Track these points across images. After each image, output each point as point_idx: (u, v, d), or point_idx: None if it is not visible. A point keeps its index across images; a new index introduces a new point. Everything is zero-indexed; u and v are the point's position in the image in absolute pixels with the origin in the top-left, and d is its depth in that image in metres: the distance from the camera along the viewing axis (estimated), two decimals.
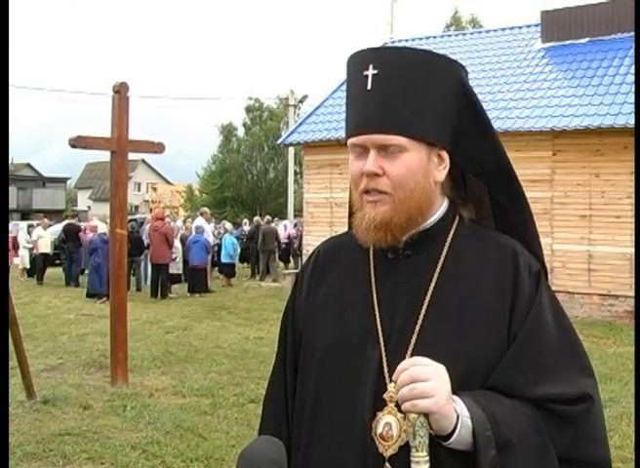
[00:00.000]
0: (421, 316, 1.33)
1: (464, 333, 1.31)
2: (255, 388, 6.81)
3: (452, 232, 1.42)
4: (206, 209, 18.32)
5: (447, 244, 1.40)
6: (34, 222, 20.80)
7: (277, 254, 19.07)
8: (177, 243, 14.92)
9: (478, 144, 1.41)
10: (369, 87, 1.33)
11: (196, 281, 15.00)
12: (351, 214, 1.46)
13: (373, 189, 1.33)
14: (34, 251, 18.08)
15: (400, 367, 1.22)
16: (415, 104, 1.32)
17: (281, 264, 20.47)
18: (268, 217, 20.62)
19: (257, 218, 20.92)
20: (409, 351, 1.31)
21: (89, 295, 14.11)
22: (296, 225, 20.47)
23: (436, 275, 1.37)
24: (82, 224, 19.03)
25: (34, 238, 18.13)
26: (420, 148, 1.33)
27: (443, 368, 1.22)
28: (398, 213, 1.33)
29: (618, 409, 6.16)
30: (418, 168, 1.33)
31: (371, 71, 1.33)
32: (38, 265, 17.64)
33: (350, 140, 1.37)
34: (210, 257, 16.09)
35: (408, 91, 1.32)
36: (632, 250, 10.81)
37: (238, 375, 7.49)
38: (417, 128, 1.32)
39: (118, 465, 4.87)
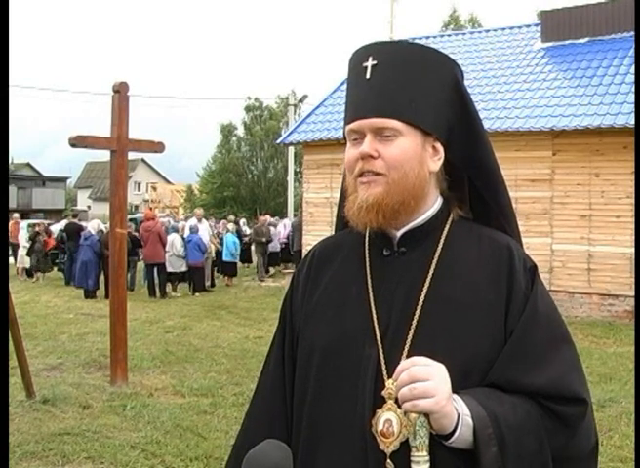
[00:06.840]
0: (417, 313, 1.33)
1: (461, 330, 1.31)
2: (254, 388, 6.79)
3: (446, 229, 1.43)
4: (197, 209, 18.30)
5: (442, 240, 1.41)
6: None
7: (265, 254, 18.81)
8: (178, 241, 14.87)
9: (470, 141, 1.43)
10: (367, 76, 1.36)
11: (194, 280, 15.04)
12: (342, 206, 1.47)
13: (367, 171, 1.35)
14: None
15: (400, 367, 1.22)
16: (411, 93, 1.35)
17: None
18: (268, 217, 20.62)
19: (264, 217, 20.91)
20: (406, 348, 1.30)
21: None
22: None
23: (431, 272, 1.37)
24: (83, 223, 19.04)
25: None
26: (415, 135, 1.35)
27: (443, 367, 1.22)
28: (391, 194, 1.34)
29: (617, 408, 6.15)
30: (412, 153, 1.35)
31: (370, 62, 1.36)
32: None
33: (348, 127, 1.39)
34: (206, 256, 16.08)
35: (405, 80, 1.35)
36: (632, 249, 10.81)
37: (238, 375, 7.48)
38: (412, 114, 1.35)
39: (117, 464, 4.87)
